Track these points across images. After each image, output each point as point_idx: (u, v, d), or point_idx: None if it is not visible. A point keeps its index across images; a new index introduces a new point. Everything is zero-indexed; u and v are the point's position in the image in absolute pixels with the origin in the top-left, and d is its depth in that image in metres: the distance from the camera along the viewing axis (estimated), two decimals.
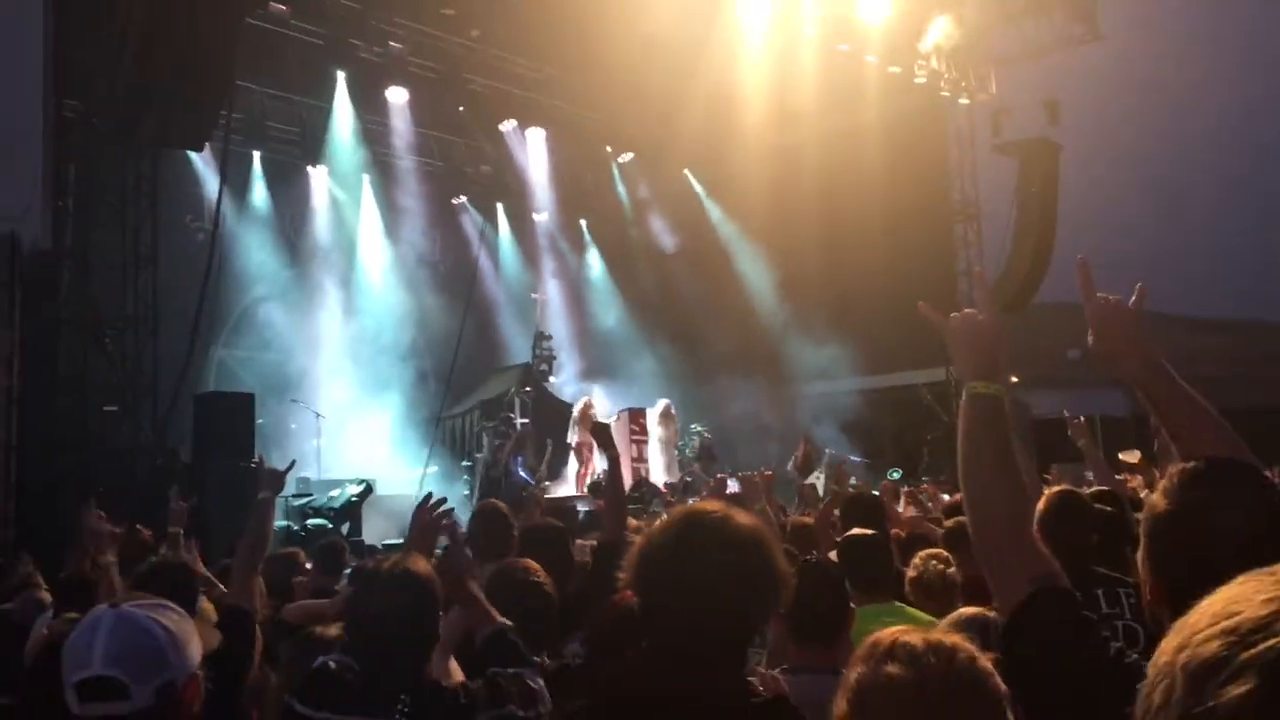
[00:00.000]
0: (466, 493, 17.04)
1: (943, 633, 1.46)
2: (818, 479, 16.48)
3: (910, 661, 1.38)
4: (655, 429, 17.64)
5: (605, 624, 3.01)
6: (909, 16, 19.73)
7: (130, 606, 2.09)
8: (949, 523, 5.58)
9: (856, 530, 4.46)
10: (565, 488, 16.92)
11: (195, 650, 2.12)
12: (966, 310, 2.22)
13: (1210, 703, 0.78)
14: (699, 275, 22.62)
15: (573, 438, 16.77)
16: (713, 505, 1.96)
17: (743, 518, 1.93)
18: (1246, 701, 0.76)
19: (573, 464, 17.03)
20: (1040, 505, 4.05)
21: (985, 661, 1.43)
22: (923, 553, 4.86)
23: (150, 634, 2.05)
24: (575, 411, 16.69)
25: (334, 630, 3.69)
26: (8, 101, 13.38)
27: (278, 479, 4.07)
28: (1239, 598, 0.84)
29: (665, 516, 1.99)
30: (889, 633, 1.46)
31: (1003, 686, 1.41)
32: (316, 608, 5.10)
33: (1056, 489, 4.20)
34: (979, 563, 1.97)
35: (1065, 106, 21.49)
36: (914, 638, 1.43)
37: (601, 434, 4.93)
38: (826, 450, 18.96)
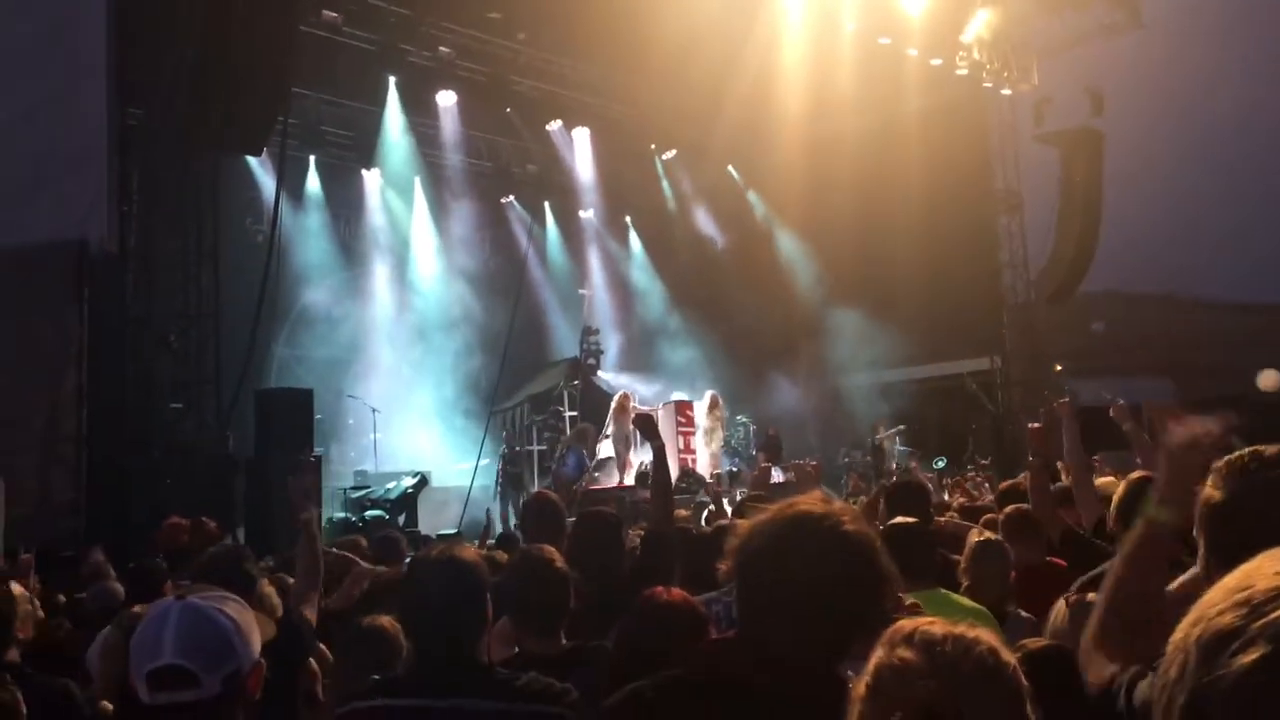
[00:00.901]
0: (517, 487, 17.17)
1: (968, 625, 1.42)
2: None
3: (925, 648, 1.35)
4: (703, 420, 17.55)
5: (636, 617, 3.00)
6: (950, 8, 19.45)
7: (196, 598, 2.12)
8: (1007, 510, 5.51)
9: (899, 518, 4.43)
10: (613, 478, 16.93)
11: (257, 640, 2.15)
12: (1194, 427, 2.11)
13: (1221, 671, 0.77)
14: (742, 268, 22.54)
15: (609, 429, 16.72)
16: (817, 503, 1.93)
17: (851, 521, 1.89)
18: (1257, 667, 0.76)
19: (606, 451, 17.02)
20: (1120, 491, 4.00)
21: (1008, 655, 1.38)
22: (975, 539, 4.83)
23: (216, 624, 2.08)
24: (613, 404, 16.65)
25: (385, 620, 3.73)
26: (75, 112, 13.64)
27: (310, 470, 4.14)
28: (1253, 572, 0.83)
29: (766, 511, 1.95)
30: (914, 620, 1.44)
31: (1024, 682, 1.36)
32: (355, 577, 5.08)
33: (1137, 475, 4.13)
34: (1103, 640, 2.01)
35: (1109, 95, 21.09)
36: (936, 626, 1.40)
37: (646, 424, 4.91)
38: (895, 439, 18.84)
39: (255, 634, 2.15)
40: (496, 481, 16.48)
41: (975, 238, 21.38)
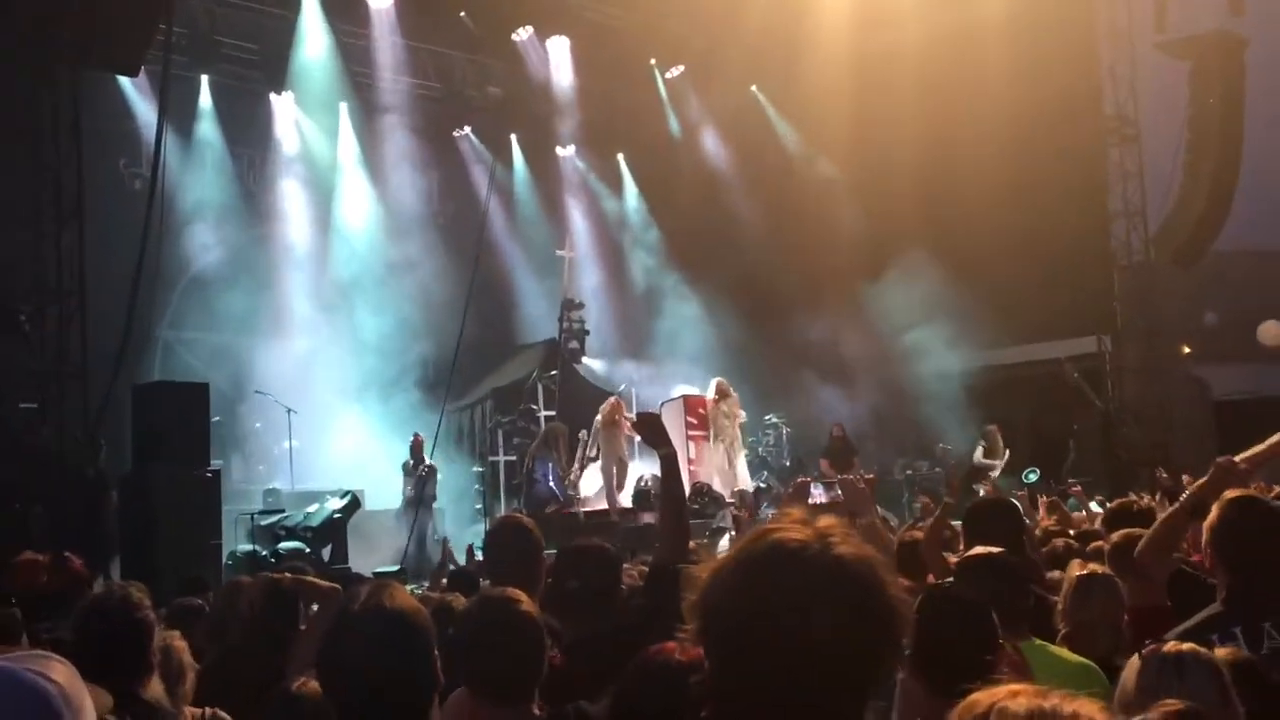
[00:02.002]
0: (479, 506, 17.18)
1: (1066, 697, 1.42)
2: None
3: None
4: (719, 419, 17.59)
5: (636, 681, 3.01)
6: None
7: (6, 660, 2.11)
8: (1115, 537, 5.57)
9: (979, 549, 4.49)
10: (601, 497, 16.99)
11: (90, 713, 2.14)
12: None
13: None
14: (770, 223, 22.54)
15: (595, 448, 16.75)
16: (797, 524, 1.89)
17: (844, 542, 1.86)
18: None
19: (593, 477, 17.06)
20: (1214, 513, 4.06)
21: None
22: (1076, 572, 4.88)
23: (35, 694, 2.06)
24: (599, 415, 16.65)
25: (315, 684, 3.74)
26: None
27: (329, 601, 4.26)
28: None
29: (736, 540, 1.98)
30: (990, 691, 1.43)
31: None
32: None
33: (1233, 494, 4.20)
34: None
35: None
36: (1021, 699, 1.39)
37: (651, 427, 4.92)
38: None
39: (87, 707, 2.15)
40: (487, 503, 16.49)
41: (1077, 180, 21.32)
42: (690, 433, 17.80)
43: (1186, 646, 3.08)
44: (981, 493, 17.64)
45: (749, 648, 1.81)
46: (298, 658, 4.34)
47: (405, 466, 16.42)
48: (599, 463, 16.78)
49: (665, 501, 4.79)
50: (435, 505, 16.34)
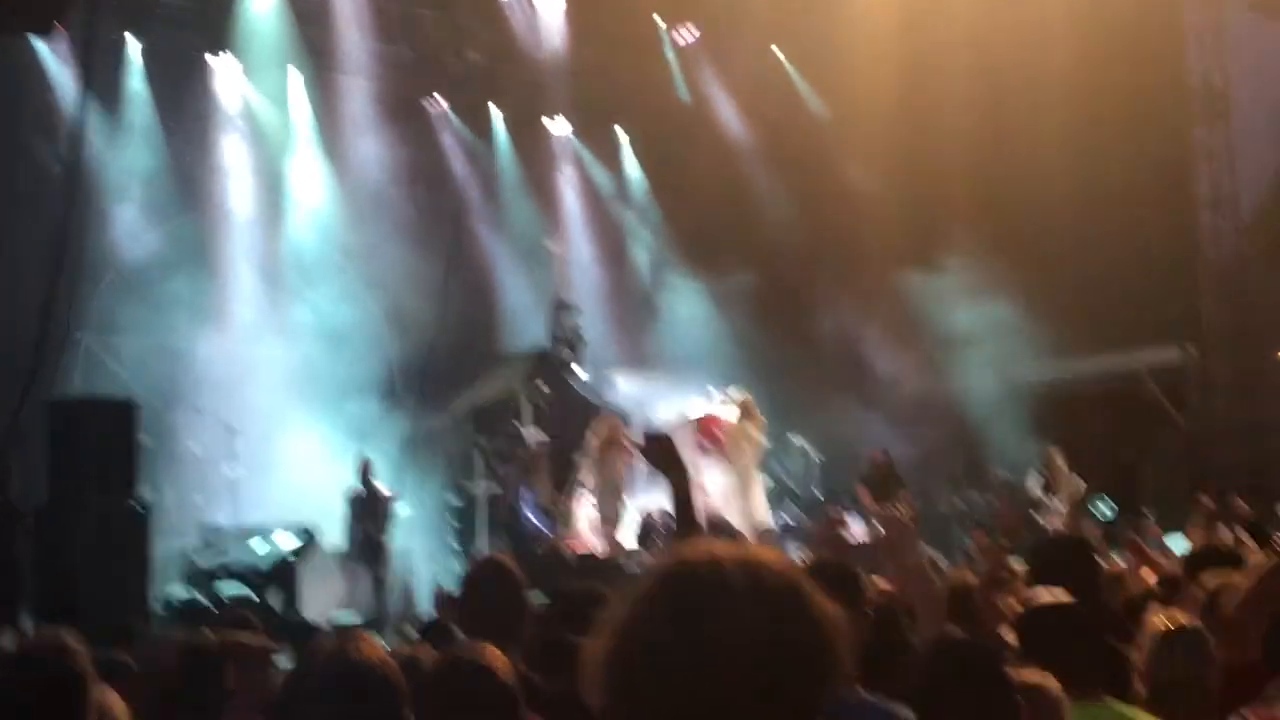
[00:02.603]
0: (454, 545, 17.13)
1: None
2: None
3: None
4: (740, 442, 17.51)
5: None
6: None
7: None
8: (1211, 584, 5.58)
9: (1046, 596, 4.52)
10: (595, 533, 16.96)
11: None
12: None
13: None
14: (794, 206, 22.56)
15: (588, 478, 16.66)
16: (715, 546, 1.91)
17: (775, 565, 1.89)
18: None
19: (585, 510, 17.03)
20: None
21: None
22: (1161, 621, 4.89)
23: None
24: (592, 438, 16.58)
25: None
26: None
27: None
28: None
29: (641, 573, 1.96)
30: None
31: None
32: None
33: None
34: None
35: None
36: None
37: (660, 450, 4.90)
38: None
39: None
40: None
41: (1156, 162, 21.28)
42: (703, 458, 17.73)
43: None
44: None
45: (657, 702, 1.81)
46: None
47: (353, 498, 16.27)
48: (591, 493, 16.68)
49: (676, 533, 4.76)
50: (398, 544, 16.30)
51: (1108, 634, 4.98)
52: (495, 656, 3.50)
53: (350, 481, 16.32)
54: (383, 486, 16.18)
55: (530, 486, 16.65)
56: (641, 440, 5.10)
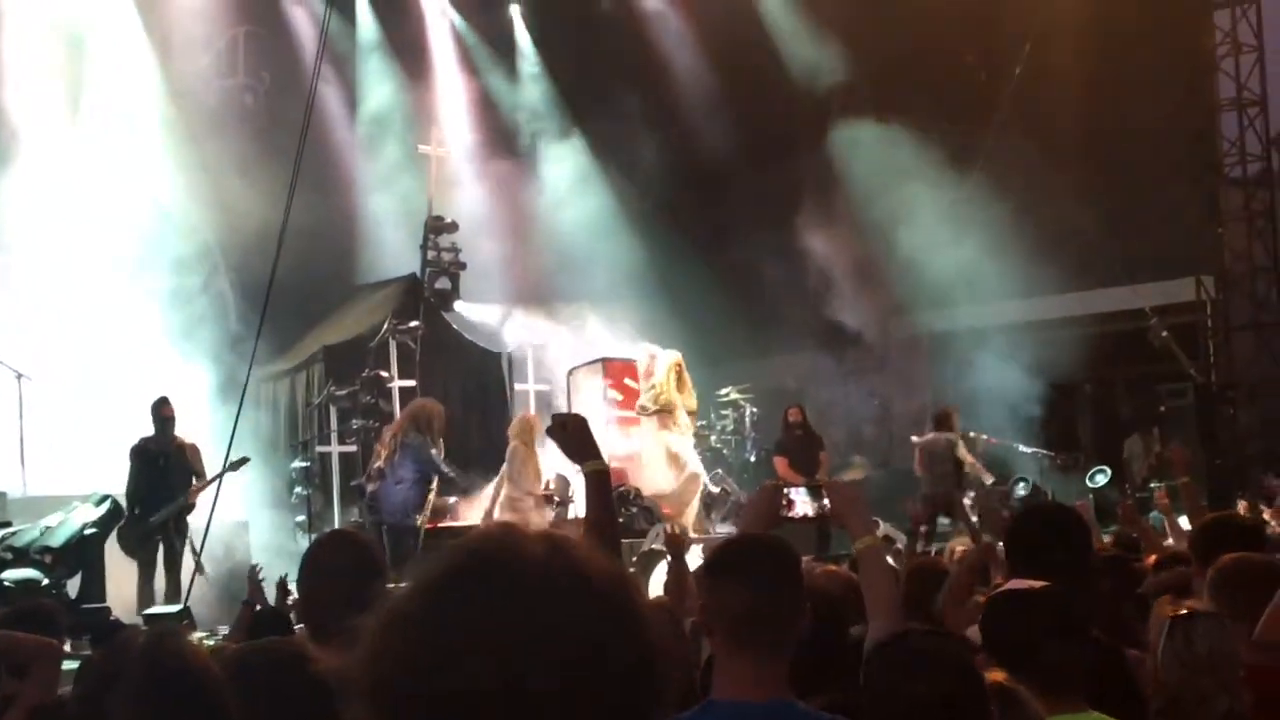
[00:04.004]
0: (302, 518, 17.14)
1: None
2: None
3: None
4: (662, 412, 17.51)
5: None
6: None
7: None
8: (1224, 561, 5.59)
9: (1016, 582, 4.64)
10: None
11: None
12: None
13: None
14: (731, 102, 22.64)
15: (508, 482, 16.57)
16: (509, 530, 1.88)
17: (585, 552, 1.85)
18: None
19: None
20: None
21: None
22: (1168, 614, 5.01)
23: None
24: (511, 435, 16.54)
25: None
26: None
27: None
28: None
29: (435, 559, 1.88)
30: None
31: None
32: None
33: None
34: None
35: None
36: None
37: (573, 433, 4.92)
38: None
39: None
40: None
41: (1168, 54, 21.44)
42: (613, 413, 17.72)
43: None
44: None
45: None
46: None
47: (143, 450, 15.50)
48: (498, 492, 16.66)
49: (591, 527, 4.82)
50: (230, 516, 16.05)
51: (1098, 628, 5.05)
52: (306, 653, 3.47)
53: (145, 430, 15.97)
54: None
55: (423, 445, 16.51)
56: (551, 421, 5.20)
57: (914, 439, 18.69)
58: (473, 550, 1.84)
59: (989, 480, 18.00)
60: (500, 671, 1.72)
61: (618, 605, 1.82)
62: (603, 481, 4.87)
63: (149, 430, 15.58)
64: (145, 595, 14.74)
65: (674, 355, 18.02)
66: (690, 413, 17.86)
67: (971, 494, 17.47)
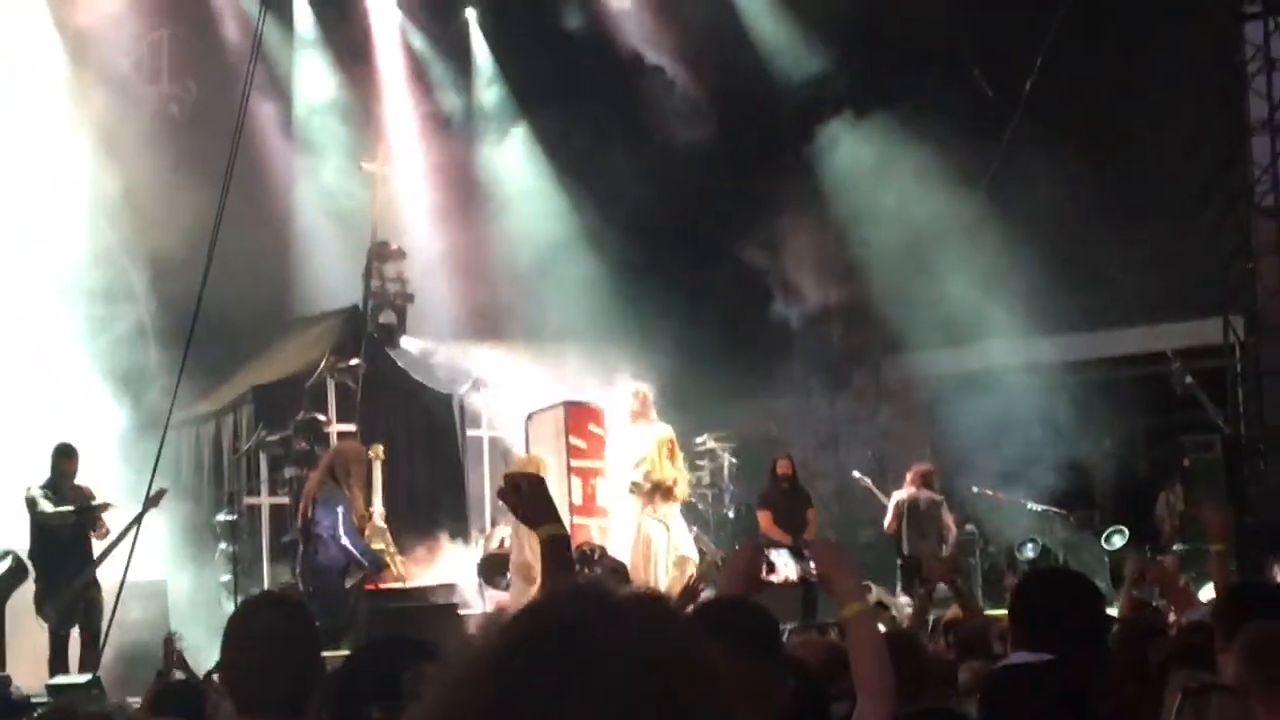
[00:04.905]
0: (227, 578, 17.06)
1: None
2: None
3: None
4: (631, 445, 17.56)
5: None
6: None
7: None
8: (1249, 633, 5.45)
9: (1021, 655, 4.74)
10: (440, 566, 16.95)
11: None
12: None
13: None
14: (711, 118, 22.72)
15: (520, 553, 16.51)
16: (570, 589, 1.93)
17: (657, 604, 1.91)
18: None
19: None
20: None
21: None
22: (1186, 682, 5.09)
23: None
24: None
25: None
26: None
27: None
28: None
29: (500, 620, 1.87)
30: None
31: None
32: None
33: None
34: None
35: None
36: None
37: (528, 496, 4.95)
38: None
39: None
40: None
41: (1192, 58, 21.52)
42: (574, 462, 17.70)
43: None
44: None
45: None
46: None
47: (40, 500, 15.34)
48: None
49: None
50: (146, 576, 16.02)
51: (1110, 707, 5.01)
52: None
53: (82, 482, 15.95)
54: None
55: (335, 499, 16.50)
56: (502, 484, 5.16)
57: (895, 494, 18.84)
58: (535, 622, 1.81)
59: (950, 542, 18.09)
60: None
61: (688, 671, 1.83)
62: (561, 548, 4.84)
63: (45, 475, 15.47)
64: (58, 664, 14.56)
65: (666, 431, 17.97)
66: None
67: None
